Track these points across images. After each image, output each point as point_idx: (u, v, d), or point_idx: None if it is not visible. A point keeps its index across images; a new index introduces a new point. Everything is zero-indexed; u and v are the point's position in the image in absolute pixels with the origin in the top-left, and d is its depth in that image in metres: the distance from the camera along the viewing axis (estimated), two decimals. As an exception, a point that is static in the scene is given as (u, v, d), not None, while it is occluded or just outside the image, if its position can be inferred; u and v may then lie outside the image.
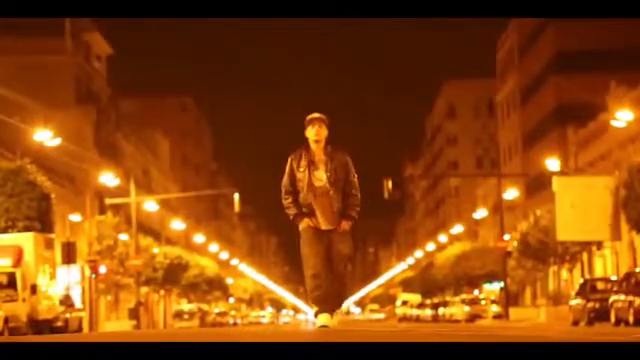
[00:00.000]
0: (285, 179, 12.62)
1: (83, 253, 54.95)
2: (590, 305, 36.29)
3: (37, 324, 33.18)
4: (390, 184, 53.21)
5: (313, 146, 12.51)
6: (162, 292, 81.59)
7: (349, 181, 12.52)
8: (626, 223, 44.73)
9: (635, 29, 72.37)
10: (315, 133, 12.50)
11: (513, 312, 61.57)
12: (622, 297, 31.43)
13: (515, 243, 59.82)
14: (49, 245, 37.17)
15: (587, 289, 38.22)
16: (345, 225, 12.42)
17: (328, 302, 12.36)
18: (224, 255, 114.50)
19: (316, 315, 12.48)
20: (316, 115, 12.58)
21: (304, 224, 12.44)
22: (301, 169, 12.46)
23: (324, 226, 12.42)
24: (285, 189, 12.58)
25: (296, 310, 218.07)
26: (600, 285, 39.09)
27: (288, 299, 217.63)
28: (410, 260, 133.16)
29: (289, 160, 12.62)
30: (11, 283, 32.90)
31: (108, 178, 59.31)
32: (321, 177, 12.40)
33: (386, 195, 53.10)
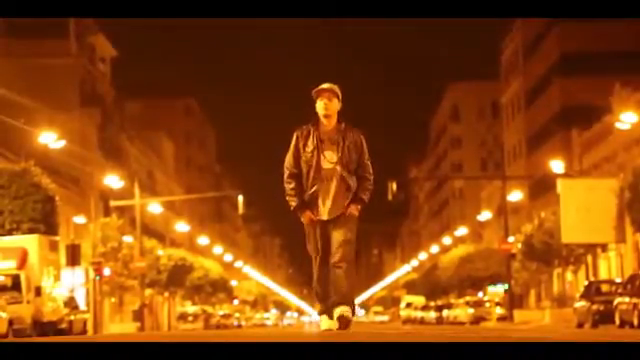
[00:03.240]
0: (288, 158, 11.01)
1: (87, 255, 54.97)
2: (595, 307, 36.24)
3: (41, 326, 33.20)
4: (394, 186, 53.23)
5: (323, 122, 10.90)
6: (166, 294, 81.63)
7: (363, 164, 10.97)
8: (630, 225, 44.73)
9: None
10: (323, 107, 10.88)
11: (517, 314, 61.52)
12: (627, 299, 31.38)
13: (519, 245, 59.79)
14: (53, 247, 37.19)
15: (592, 291, 38.17)
16: (354, 209, 10.90)
17: (334, 299, 10.85)
18: (228, 257, 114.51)
19: (320, 314, 11.04)
20: (325, 86, 10.95)
21: (306, 219, 10.94)
22: (308, 148, 10.86)
23: (327, 215, 10.88)
24: (288, 171, 10.99)
25: (300, 312, 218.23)
26: (605, 287, 39.04)
27: (292, 301, 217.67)
28: (414, 262, 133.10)
29: (294, 136, 10.99)
30: (16, 285, 32.93)
31: (112, 180, 59.40)
32: (331, 158, 10.82)
33: (390, 197, 53.14)
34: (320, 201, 10.89)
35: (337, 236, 10.86)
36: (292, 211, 11.02)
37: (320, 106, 10.87)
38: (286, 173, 10.98)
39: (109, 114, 79.48)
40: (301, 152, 10.89)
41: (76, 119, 67.60)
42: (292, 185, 10.92)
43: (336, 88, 10.93)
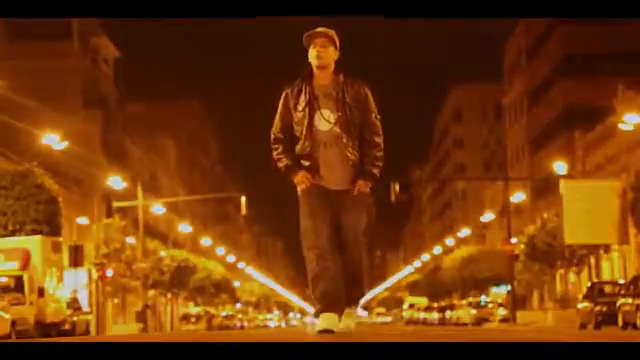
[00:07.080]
0: (276, 121, 9.08)
1: (90, 256, 55.00)
2: (597, 308, 36.21)
3: (44, 327, 33.23)
4: (397, 187, 53.18)
5: (317, 74, 8.96)
6: (169, 295, 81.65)
7: (369, 123, 8.98)
8: (634, 226, 44.72)
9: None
10: (316, 55, 8.90)
11: (520, 315, 61.47)
12: (630, 300, 31.36)
13: (522, 246, 59.77)
14: (56, 248, 37.22)
15: (594, 292, 38.14)
16: (363, 186, 8.91)
17: (336, 297, 8.99)
18: (231, 258, 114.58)
19: (317, 314, 9.14)
20: (319, 30, 8.95)
21: (301, 181, 8.94)
22: (300, 107, 8.90)
23: (333, 185, 8.96)
24: (274, 136, 9.08)
25: (303, 313, 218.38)
26: (608, 288, 39.01)
27: (295, 302, 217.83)
28: (417, 263, 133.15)
29: (283, 95, 9.06)
30: (18, 286, 32.97)
31: (115, 181, 59.47)
32: (329, 117, 8.85)
33: (393, 198, 53.09)
34: (322, 168, 8.97)
35: (346, 221, 8.96)
36: (283, 175, 9.10)
37: (312, 55, 8.90)
38: (272, 138, 9.13)
39: (112, 115, 79.55)
40: (292, 112, 8.97)
41: (79, 120, 67.66)
42: (279, 150, 9.05)
43: (332, 33, 8.97)
